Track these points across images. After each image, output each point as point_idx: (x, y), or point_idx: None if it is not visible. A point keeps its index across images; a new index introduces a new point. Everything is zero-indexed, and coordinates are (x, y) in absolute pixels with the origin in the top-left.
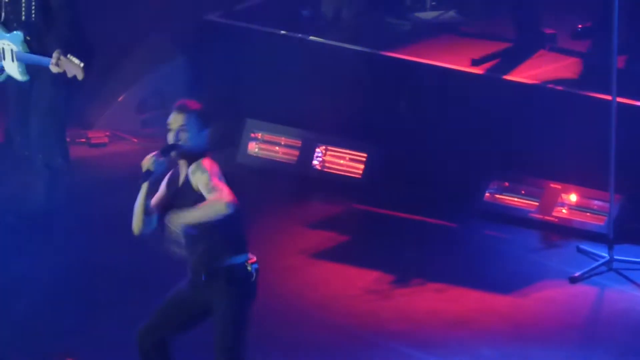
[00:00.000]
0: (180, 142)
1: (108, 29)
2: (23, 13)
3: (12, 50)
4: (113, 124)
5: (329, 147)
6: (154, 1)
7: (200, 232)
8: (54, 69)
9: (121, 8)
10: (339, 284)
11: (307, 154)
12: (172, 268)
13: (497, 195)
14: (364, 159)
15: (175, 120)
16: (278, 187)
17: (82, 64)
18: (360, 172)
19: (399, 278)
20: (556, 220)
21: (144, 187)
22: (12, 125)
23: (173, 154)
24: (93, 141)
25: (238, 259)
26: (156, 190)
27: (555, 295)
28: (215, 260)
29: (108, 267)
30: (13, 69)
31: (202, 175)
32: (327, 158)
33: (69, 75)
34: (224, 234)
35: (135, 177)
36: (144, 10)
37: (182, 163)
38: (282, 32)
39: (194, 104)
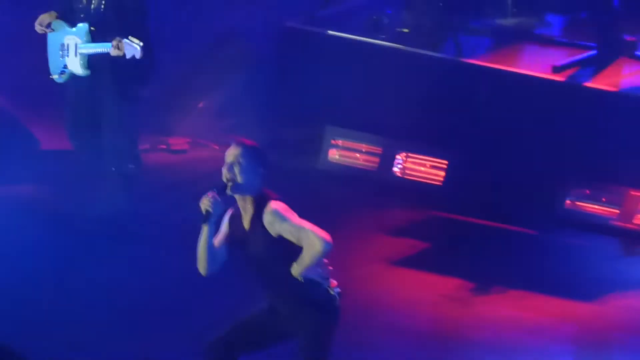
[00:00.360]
0: (233, 177)
1: (189, 34)
2: (93, 3)
3: (75, 44)
4: (193, 130)
5: (410, 154)
6: (234, 7)
7: (284, 261)
8: (114, 52)
9: (202, 14)
10: (420, 290)
11: (387, 160)
12: (242, 280)
13: (578, 203)
14: (444, 166)
15: (231, 154)
16: (358, 194)
17: (141, 44)
18: (441, 179)
19: (480, 285)
20: (637, 227)
21: (205, 229)
22: (69, 130)
23: (228, 191)
24: (173, 147)
25: (320, 285)
26: (217, 229)
27: (635, 303)
28: (299, 288)
29: (184, 273)
30: (75, 64)
31: (283, 224)
32: (408, 165)
33: (128, 56)
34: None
35: (215, 184)
36: (224, 16)
37: (242, 201)
38: (363, 38)
39: (251, 142)
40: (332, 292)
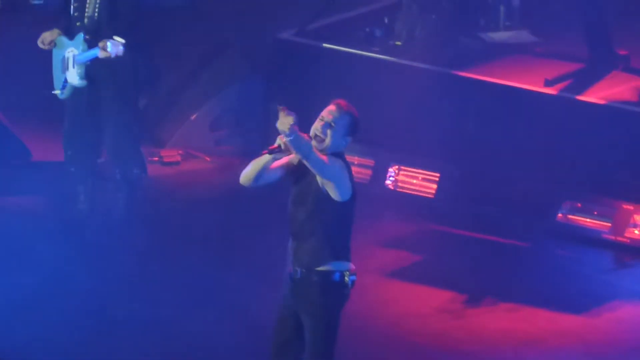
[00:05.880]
0: (324, 137)
1: (181, 47)
2: (87, 9)
3: (73, 55)
4: (186, 142)
5: (402, 167)
6: (227, 18)
7: (310, 225)
8: (102, 54)
9: (194, 27)
10: (412, 302)
11: (380, 173)
12: (242, 287)
13: (570, 216)
14: (436, 179)
15: (330, 113)
16: None
17: (123, 41)
18: (433, 191)
19: (471, 297)
20: (628, 241)
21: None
22: (64, 139)
23: (313, 143)
24: (166, 160)
25: (338, 266)
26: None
27: (627, 316)
28: (316, 260)
29: (181, 284)
30: (73, 75)
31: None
32: (400, 177)
33: (113, 55)
34: (331, 235)
35: (208, 197)
36: (217, 28)
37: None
38: (356, 51)
39: (353, 108)
40: (346, 279)
